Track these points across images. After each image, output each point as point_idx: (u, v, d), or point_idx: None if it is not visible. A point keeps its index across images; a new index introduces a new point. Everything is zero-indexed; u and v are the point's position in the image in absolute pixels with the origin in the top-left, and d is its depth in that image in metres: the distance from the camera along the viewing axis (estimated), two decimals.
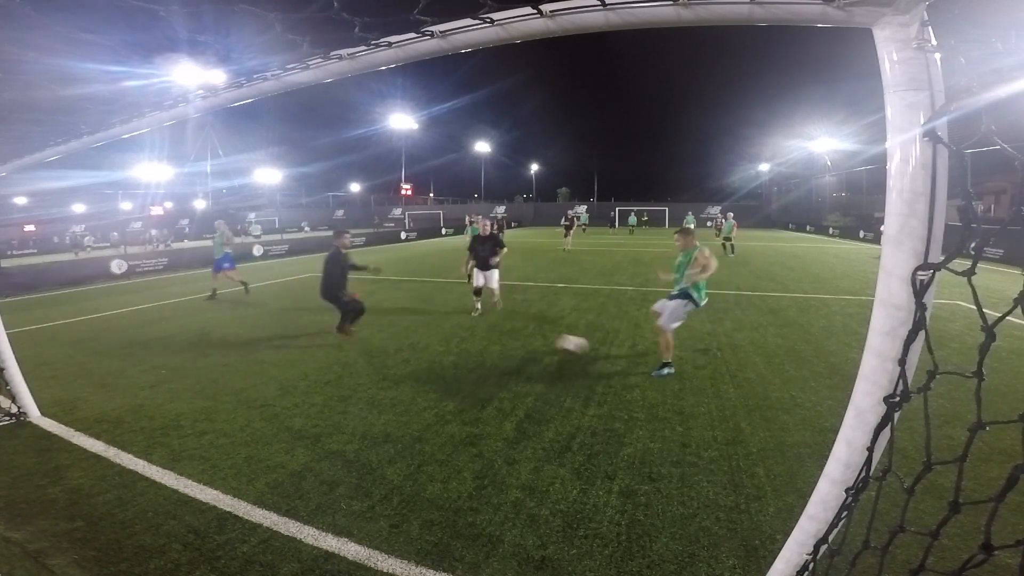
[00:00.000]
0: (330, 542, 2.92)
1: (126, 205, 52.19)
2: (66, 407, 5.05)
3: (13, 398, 4.80)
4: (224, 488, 3.52)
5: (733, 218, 21.12)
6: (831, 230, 35.41)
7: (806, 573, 1.62)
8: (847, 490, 1.44)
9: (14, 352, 4.86)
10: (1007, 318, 0.93)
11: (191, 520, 3.17)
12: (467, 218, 11.97)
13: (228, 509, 3.28)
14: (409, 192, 57.59)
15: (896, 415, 1.29)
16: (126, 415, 4.85)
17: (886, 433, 1.33)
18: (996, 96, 0.86)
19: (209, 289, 11.86)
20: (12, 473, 3.81)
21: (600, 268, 15.87)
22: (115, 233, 35.03)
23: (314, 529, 3.04)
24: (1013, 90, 0.84)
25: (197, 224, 44.96)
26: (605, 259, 18.84)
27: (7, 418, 4.72)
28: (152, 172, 46.30)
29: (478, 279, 9.15)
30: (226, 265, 11.61)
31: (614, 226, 37.39)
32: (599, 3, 1.49)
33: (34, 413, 4.81)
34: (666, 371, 5.74)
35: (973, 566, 1.00)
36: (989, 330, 0.91)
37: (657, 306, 5.91)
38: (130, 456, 4.03)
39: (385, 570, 2.69)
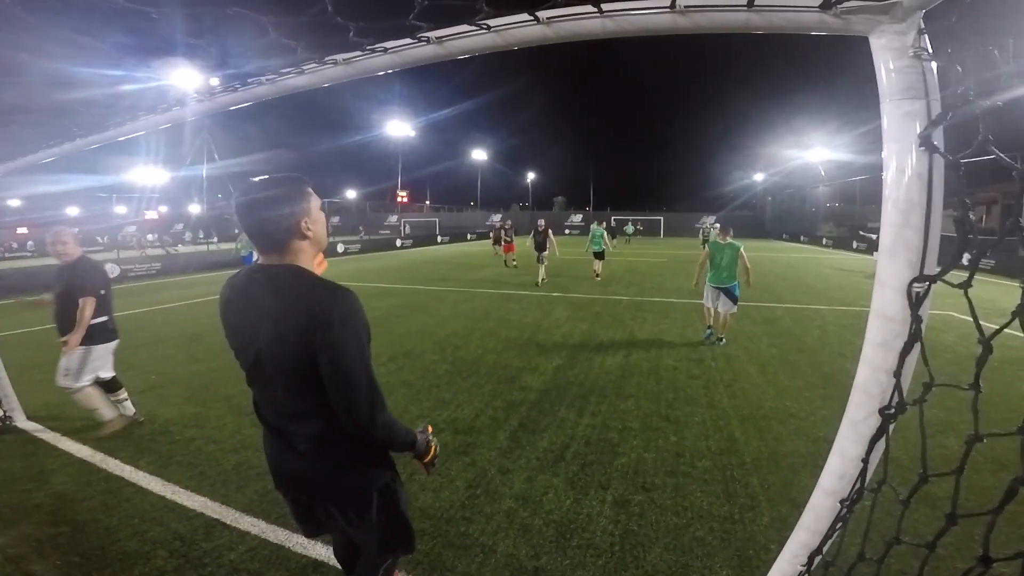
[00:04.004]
0: (319, 551, 2.88)
1: (120, 209, 51.93)
2: (54, 411, 4.99)
3: (0, 402, 4.74)
4: (212, 495, 3.47)
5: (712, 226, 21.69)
6: (825, 240, 35.62)
7: None
8: (842, 501, 1.42)
9: (2, 355, 4.80)
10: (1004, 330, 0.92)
11: (178, 527, 3.12)
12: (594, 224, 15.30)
13: (216, 516, 3.23)
14: (405, 199, 57.65)
15: (891, 426, 1.28)
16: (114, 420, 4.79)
17: (881, 444, 1.32)
18: (993, 104, 0.86)
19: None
20: None
21: (595, 278, 15.89)
22: (106, 237, 34.78)
23: (303, 537, 3.00)
24: (1010, 98, 0.84)
25: (192, 229, 44.71)
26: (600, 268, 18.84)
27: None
28: (147, 176, 46.04)
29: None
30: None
31: (614, 236, 37.34)
32: (596, 11, 1.48)
33: (21, 417, 4.75)
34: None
35: None
36: (987, 343, 0.90)
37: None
38: (117, 462, 3.97)
39: None
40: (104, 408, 4.46)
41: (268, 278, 1.58)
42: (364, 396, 1.56)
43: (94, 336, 4.33)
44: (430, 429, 1.93)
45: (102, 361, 4.50)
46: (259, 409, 1.76)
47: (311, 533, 1.97)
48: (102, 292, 4.36)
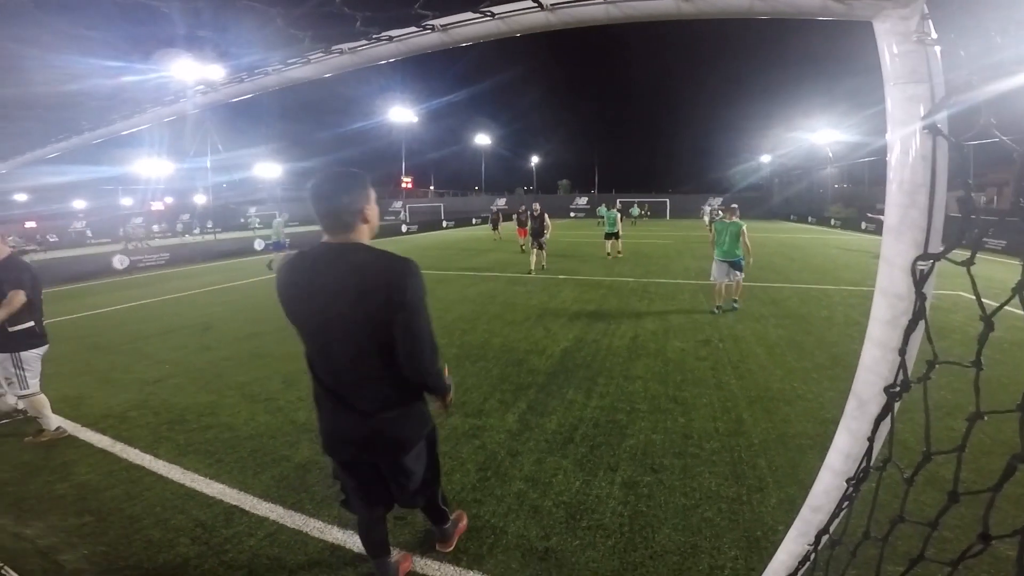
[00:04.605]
0: (336, 534, 2.95)
1: (126, 200, 52.18)
2: (71, 403, 5.08)
3: None
4: (230, 482, 3.55)
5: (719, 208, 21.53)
6: (833, 221, 35.32)
7: (807, 563, 1.63)
8: (848, 480, 1.45)
9: None
10: (1010, 310, 0.93)
11: (198, 514, 3.20)
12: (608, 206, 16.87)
13: (235, 503, 3.31)
14: (409, 185, 57.56)
15: (896, 405, 1.30)
16: (131, 410, 4.89)
17: (887, 423, 1.34)
18: (996, 89, 0.86)
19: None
20: (20, 470, 3.84)
21: (601, 259, 15.87)
22: (121, 230, 34.81)
23: (320, 522, 3.07)
24: (1013, 84, 0.84)
25: (198, 219, 44.83)
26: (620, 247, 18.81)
27: (13, 414, 4.75)
28: (152, 167, 46.07)
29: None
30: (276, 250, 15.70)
31: (622, 219, 37.09)
32: None
33: None
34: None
35: (971, 556, 1.00)
36: (987, 319, 0.91)
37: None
38: (136, 451, 4.06)
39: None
40: (50, 416, 4.33)
41: (342, 253, 1.85)
42: (428, 348, 1.93)
43: (21, 341, 4.14)
44: (447, 370, 2.24)
45: (38, 366, 4.30)
46: (319, 375, 1.99)
47: (371, 502, 2.30)
48: (31, 291, 4.13)
